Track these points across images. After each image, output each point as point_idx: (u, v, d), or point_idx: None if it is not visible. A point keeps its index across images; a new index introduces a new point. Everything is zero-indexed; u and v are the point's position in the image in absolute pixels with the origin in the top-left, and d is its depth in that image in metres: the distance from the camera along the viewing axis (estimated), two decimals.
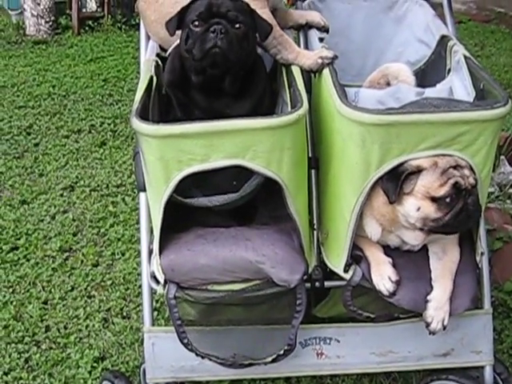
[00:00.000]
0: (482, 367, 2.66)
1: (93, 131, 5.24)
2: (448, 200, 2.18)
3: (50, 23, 7.78)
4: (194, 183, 2.37)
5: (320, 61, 2.56)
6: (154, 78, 2.55)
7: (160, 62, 2.69)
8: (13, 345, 3.09)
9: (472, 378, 2.65)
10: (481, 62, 6.89)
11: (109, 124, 5.32)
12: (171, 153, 2.18)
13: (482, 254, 2.52)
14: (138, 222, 3.90)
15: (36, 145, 5.03)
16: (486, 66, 6.59)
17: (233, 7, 2.42)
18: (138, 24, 2.90)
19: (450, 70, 2.70)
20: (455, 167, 2.17)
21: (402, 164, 2.18)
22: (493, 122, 2.17)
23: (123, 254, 3.70)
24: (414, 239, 2.32)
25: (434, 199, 2.19)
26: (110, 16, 7.93)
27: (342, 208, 2.36)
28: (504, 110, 2.16)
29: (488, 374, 2.66)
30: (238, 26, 2.40)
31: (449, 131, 2.15)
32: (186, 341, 2.47)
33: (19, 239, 3.85)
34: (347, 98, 2.30)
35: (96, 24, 7.86)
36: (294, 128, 2.19)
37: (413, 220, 2.24)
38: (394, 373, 2.90)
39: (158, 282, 2.46)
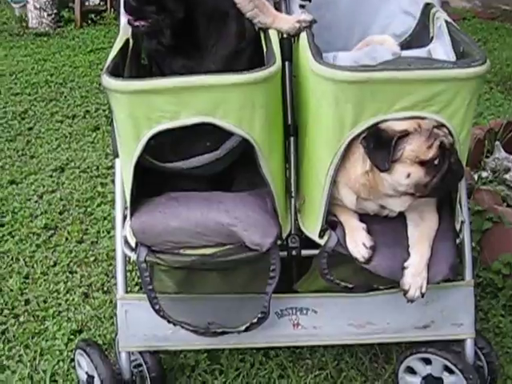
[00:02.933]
0: (463, 340, 2.60)
1: (87, 116, 5.23)
2: (436, 162, 2.13)
3: (53, 16, 7.79)
4: (169, 148, 2.34)
5: (297, 25, 2.51)
6: (131, 41, 2.51)
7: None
8: None
9: (453, 351, 2.59)
10: None
11: (104, 110, 5.30)
12: (141, 109, 2.13)
13: (463, 222, 2.47)
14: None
15: (29, 129, 5.02)
16: (489, 59, 6.51)
17: None
18: None
19: (432, 38, 2.65)
20: (438, 127, 2.12)
21: (378, 126, 2.13)
22: (470, 81, 2.11)
23: (108, 232, 3.67)
24: (399, 206, 2.27)
25: (422, 163, 2.13)
26: (112, 9, 7.91)
27: (317, 172, 2.31)
28: (481, 68, 2.10)
29: (469, 347, 2.59)
30: None
31: (425, 90, 2.09)
32: (157, 307, 2.43)
33: (5, 217, 3.83)
34: (322, 58, 2.26)
35: (98, 17, 7.86)
36: (266, 86, 2.14)
37: (403, 188, 2.18)
38: (375, 347, 2.84)
39: (132, 248, 2.42)
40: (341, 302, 2.59)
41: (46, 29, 7.69)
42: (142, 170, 2.29)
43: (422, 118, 2.13)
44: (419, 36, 2.83)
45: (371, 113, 2.12)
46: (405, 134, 2.11)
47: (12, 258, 3.46)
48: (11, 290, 3.22)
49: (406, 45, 2.92)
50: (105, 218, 3.79)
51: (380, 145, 2.13)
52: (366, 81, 2.07)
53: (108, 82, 2.13)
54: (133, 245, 2.39)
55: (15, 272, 3.36)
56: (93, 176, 4.27)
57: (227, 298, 2.55)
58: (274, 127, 2.27)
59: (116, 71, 2.26)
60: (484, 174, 4.00)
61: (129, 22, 2.45)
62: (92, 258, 3.45)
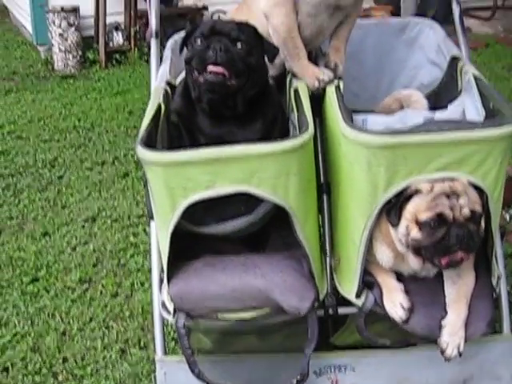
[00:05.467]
0: None
1: (116, 163, 5.27)
2: (431, 226, 2.15)
3: (78, 58, 7.90)
4: (204, 210, 2.36)
5: (316, 84, 2.55)
6: (162, 106, 2.54)
7: (169, 90, 2.69)
8: (29, 377, 3.08)
9: None
10: (508, 84, 6.82)
11: (132, 155, 5.34)
12: (176, 180, 2.17)
13: (499, 277, 2.46)
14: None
15: (60, 177, 5.07)
16: None
17: (236, 28, 2.44)
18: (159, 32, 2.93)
19: (461, 91, 2.67)
20: (448, 196, 2.13)
21: (408, 187, 2.16)
22: (501, 141, 2.13)
23: (142, 285, 3.69)
24: (417, 264, 2.28)
25: (417, 222, 2.16)
26: (136, 49, 8.02)
27: (351, 233, 2.33)
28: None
29: None
30: (239, 45, 2.41)
31: (456, 151, 2.11)
32: (196, 370, 2.44)
33: (39, 271, 3.86)
34: (353, 122, 2.29)
35: (123, 57, 7.96)
36: (300, 153, 2.17)
37: (404, 242, 2.21)
38: None
39: (169, 311, 2.45)
40: (378, 358, 2.59)
41: (72, 71, 7.80)
42: (176, 232, 2.32)
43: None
44: (447, 87, 2.85)
45: (404, 175, 2.14)
46: (416, 192, 2.14)
47: (48, 315, 3.49)
48: (48, 348, 3.24)
49: (434, 95, 2.95)
50: (138, 270, 3.81)
51: (395, 202, 2.17)
52: (397, 145, 2.10)
53: (143, 153, 2.16)
54: (170, 309, 2.41)
55: (52, 329, 3.39)
56: (124, 226, 4.31)
57: (266, 358, 2.57)
58: (308, 192, 2.29)
59: (150, 140, 2.29)
60: None
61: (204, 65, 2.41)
62: (127, 313, 3.47)
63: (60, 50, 7.83)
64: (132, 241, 4.11)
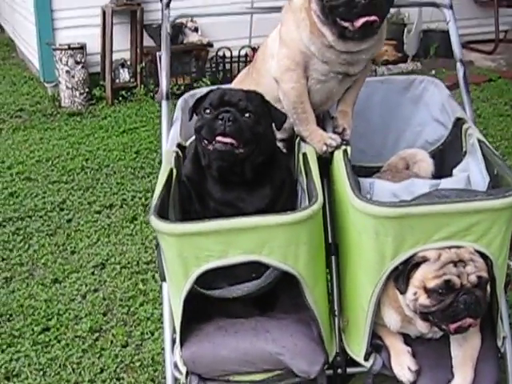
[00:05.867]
0: None
1: (124, 206, 5.32)
2: (439, 293, 2.21)
3: (85, 95, 7.97)
4: (215, 275, 2.42)
5: (324, 148, 2.62)
6: (174, 171, 2.61)
7: (180, 153, 2.76)
8: None
9: None
10: (511, 121, 6.88)
11: (140, 198, 5.41)
12: (189, 250, 2.23)
13: (505, 338, 2.52)
14: None
15: (69, 221, 5.12)
16: None
17: (244, 97, 2.52)
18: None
19: (465, 152, 2.74)
20: (456, 264, 2.20)
21: (414, 254, 2.22)
22: (506, 211, 2.19)
23: (152, 334, 3.73)
24: (425, 328, 2.33)
25: (426, 289, 2.23)
26: (142, 86, 8.10)
27: (359, 297, 2.39)
28: None
29: None
30: (247, 115, 2.49)
31: (462, 221, 2.18)
32: None
33: (50, 320, 3.90)
34: (361, 190, 2.35)
35: (129, 94, 8.03)
36: (309, 223, 2.23)
37: (412, 307, 2.28)
38: None
39: (181, 372, 2.50)
40: None
41: (79, 108, 7.87)
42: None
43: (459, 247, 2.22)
44: (452, 147, 2.92)
45: (411, 244, 2.21)
46: (423, 260, 2.21)
47: (60, 365, 3.53)
48: None
49: (438, 153, 3.02)
50: (148, 319, 3.85)
51: (402, 269, 2.24)
52: (404, 216, 2.17)
53: (156, 224, 2.23)
54: (183, 371, 2.47)
55: (64, 380, 3.43)
56: (133, 272, 4.35)
57: None
58: (317, 258, 2.35)
59: (163, 208, 2.36)
60: None
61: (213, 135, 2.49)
62: (138, 364, 3.51)
63: (67, 87, 7.91)
64: (141, 288, 4.15)
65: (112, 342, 3.71)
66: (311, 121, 2.68)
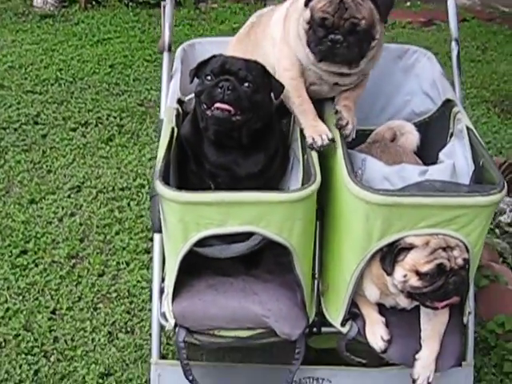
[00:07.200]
0: None
1: (99, 124, 5.31)
2: (432, 276, 2.39)
3: None
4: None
5: (310, 141, 2.67)
6: (175, 130, 2.69)
7: (181, 110, 2.84)
8: (23, 355, 3.26)
9: None
10: (482, 68, 6.90)
11: (115, 117, 5.41)
12: (191, 216, 2.37)
13: (469, 313, 2.73)
14: (142, 231, 4.11)
15: (44, 136, 5.12)
16: (486, 73, 6.63)
17: (245, 67, 2.61)
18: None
19: (452, 134, 2.87)
20: (445, 248, 2.38)
21: (400, 239, 2.38)
22: (488, 207, 2.37)
23: (128, 265, 3.85)
24: (407, 303, 2.52)
25: (418, 273, 2.40)
26: None
27: (343, 269, 2.56)
28: (499, 196, 2.35)
29: None
30: (246, 84, 2.57)
31: (447, 213, 2.34)
32: (191, 377, 2.67)
33: (28, 242, 3.99)
34: (353, 167, 2.50)
35: None
36: (306, 201, 2.38)
37: (400, 287, 2.45)
38: None
39: (166, 319, 2.66)
40: (354, 374, 2.85)
41: (51, 9, 7.70)
42: None
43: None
44: (438, 123, 3.04)
45: (397, 229, 2.37)
46: (411, 247, 2.38)
47: (38, 291, 3.64)
48: (40, 327, 3.41)
49: (424, 125, 3.15)
50: (124, 249, 3.97)
51: (388, 252, 2.42)
52: (395, 204, 2.32)
53: (162, 190, 2.34)
54: (171, 321, 2.61)
55: (42, 306, 3.55)
56: (109, 198, 4.42)
57: (255, 368, 2.87)
58: (308, 232, 2.50)
59: (167, 172, 2.47)
60: None
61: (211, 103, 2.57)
62: (114, 294, 3.64)
63: None
64: (117, 216, 4.24)
65: (89, 270, 3.83)
66: (311, 112, 2.75)
